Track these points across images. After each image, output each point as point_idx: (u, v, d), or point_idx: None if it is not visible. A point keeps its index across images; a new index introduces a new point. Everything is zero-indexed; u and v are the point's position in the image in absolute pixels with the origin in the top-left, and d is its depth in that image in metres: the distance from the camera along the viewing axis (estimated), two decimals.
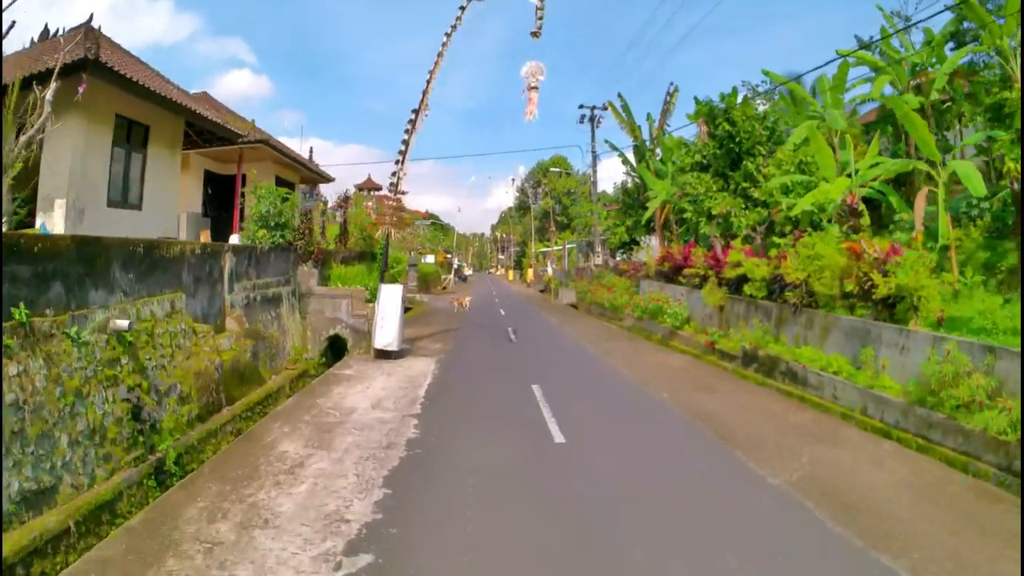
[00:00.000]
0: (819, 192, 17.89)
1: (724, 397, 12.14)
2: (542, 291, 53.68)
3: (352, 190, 67.88)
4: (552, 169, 42.93)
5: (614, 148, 33.08)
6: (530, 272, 65.02)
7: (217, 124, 17.67)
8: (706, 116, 24.64)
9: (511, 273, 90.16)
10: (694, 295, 20.88)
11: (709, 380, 14.09)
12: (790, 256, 15.35)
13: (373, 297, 20.37)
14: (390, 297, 15.48)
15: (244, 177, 24.35)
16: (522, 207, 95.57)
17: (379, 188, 76.74)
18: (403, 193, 16.00)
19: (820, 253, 14.36)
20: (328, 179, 28.06)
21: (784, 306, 15.29)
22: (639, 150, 31.93)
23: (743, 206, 22.01)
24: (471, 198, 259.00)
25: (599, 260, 40.99)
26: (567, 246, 42.16)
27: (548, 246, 71.63)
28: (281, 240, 16.26)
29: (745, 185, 22.66)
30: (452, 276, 64.94)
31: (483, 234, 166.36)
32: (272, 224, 16.24)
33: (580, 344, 20.02)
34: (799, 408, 11.39)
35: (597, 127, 43.36)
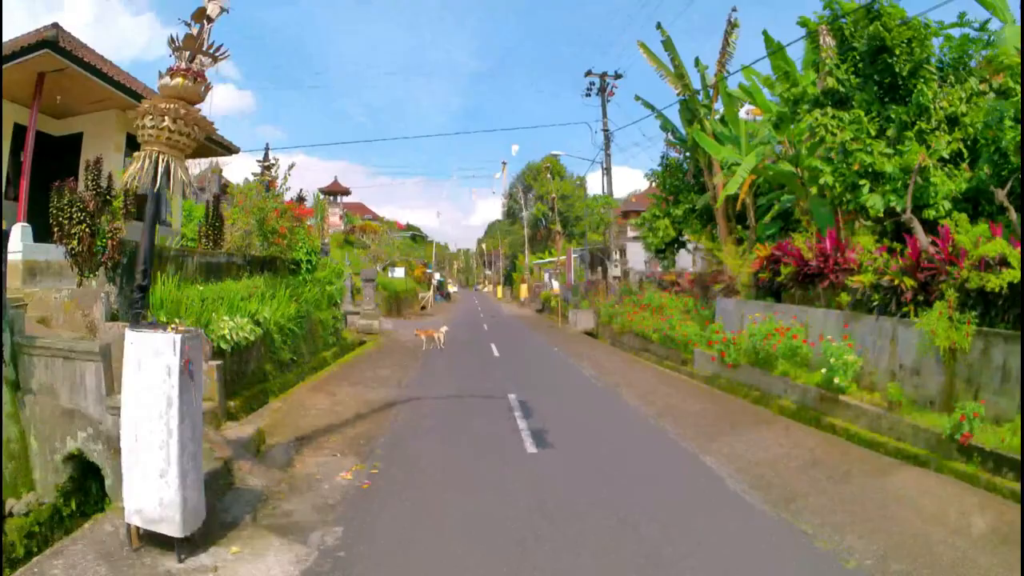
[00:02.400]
0: None
1: None
2: (539, 311, 43.41)
3: (311, 194, 57.44)
4: (554, 154, 31.99)
5: (648, 107, 22.99)
6: (524, 288, 54.51)
7: None
8: (828, 23, 14.69)
9: (500, 289, 79.70)
10: (867, 326, 10.86)
11: None
12: None
13: (234, 344, 10.17)
14: (150, 371, 4.91)
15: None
16: (511, 215, 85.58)
17: (347, 193, 66.26)
18: (211, 57, 5.41)
19: None
20: (231, 149, 17.86)
21: None
22: (688, 106, 21.89)
23: (943, 157, 12.07)
24: (456, 213, 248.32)
25: (616, 271, 30.87)
26: (572, 254, 31.84)
27: (542, 257, 61.47)
28: None
29: (923, 126, 12.72)
30: (431, 294, 54.39)
31: (468, 249, 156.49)
32: None
33: (683, 448, 9.60)
34: None
35: (608, 99, 33.70)
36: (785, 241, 14.22)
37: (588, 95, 34.17)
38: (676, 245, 23.33)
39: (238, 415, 9.61)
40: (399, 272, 39.46)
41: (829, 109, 13.50)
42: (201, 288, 10.96)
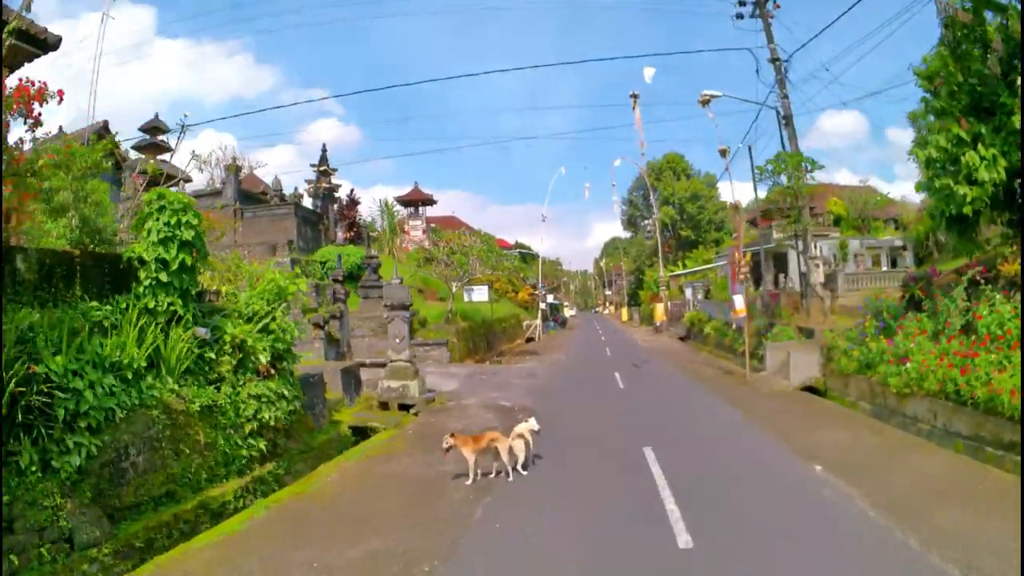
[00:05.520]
0: None
1: None
2: (683, 338, 31.75)
3: (381, 200, 47.83)
4: (708, 95, 20.63)
5: None
6: (659, 309, 42.40)
7: None
8: None
9: (625, 311, 67.79)
10: None
11: None
12: None
13: None
14: None
15: None
16: (632, 223, 73.76)
17: (431, 203, 56.95)
18: None
19: None
20: (40, 42, 8.43)
21: None
22: None
23: None
24: (571, 239, 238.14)
25: (819, 273, 19.09)
26: (739, 253, 19.90)
27: (673, 269, 49.47)
28: None
29: None
30: (539, 323, 43.80)
31: (586, 271, 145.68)
32: None
33: None
34: None
35: (771, 18, 22.27)
36: None
37: (740, 16, 22.86)
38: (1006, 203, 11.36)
39: None
40: (480, 293, 28.48)
41: None
42: None
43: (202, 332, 7.26)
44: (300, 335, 8.73)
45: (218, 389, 7.38)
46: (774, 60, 21.26)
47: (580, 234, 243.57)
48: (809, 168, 18.04)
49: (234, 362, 7.54)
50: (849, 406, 11.77)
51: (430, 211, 55.26)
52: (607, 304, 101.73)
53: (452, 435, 7.84)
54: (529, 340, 39.90)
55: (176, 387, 6.86)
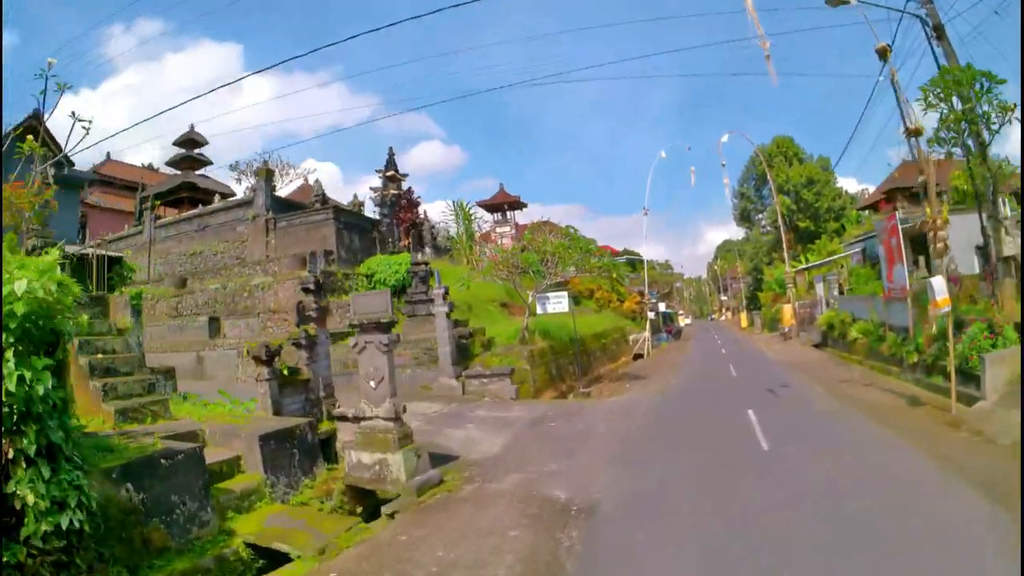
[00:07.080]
0: None
1: None
2: (817, 345, 25.79)
3: (455, 202, 43.92)
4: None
5: None
6: (786, 311, 35.86)
7: None
8: None
9: (744, 317, 60.64)
10: None
11: None
12: None
13: None
14: None
15: None
16: (745, 218, 66.38)
17: (520, 206, 52.97)
18: None
19: None
20: None
21: None
22: None
23: None
24: (683, 248, 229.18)
25: (1013, 243, 13.40)
26: (934, 211, 13.60)
27: (796, 265, 42.54)
28: None
29: None
30: (648, 335, 38.36)
31: (700, 276, 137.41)
32: None
33: None
34: None
35: None
36: None
37: None
38: None
39: None
40: (557, 303, 22.56)
41: None
42: None
43: None
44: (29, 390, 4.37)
45: None
46: None
47: (692, 241, 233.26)
48: (987, 86, 12.40)
49: None
50: None
51: (524, 218, 51.47)
52: (723, 310, 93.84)
53: None
54: (637, 357, 34.63)
55: None
